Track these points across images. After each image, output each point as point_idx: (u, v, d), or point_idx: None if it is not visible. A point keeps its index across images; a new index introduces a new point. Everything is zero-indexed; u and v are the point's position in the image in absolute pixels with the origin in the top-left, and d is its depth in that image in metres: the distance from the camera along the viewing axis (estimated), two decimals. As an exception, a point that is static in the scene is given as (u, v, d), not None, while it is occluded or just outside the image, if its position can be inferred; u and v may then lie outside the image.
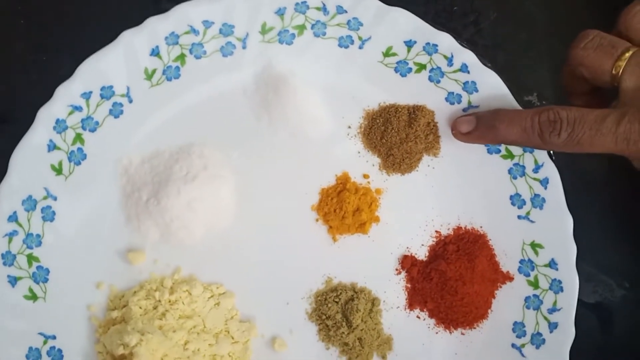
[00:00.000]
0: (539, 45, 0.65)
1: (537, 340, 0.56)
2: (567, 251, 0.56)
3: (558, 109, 0.50)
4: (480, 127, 0.54)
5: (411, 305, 0.59)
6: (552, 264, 0.57)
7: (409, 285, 0.59)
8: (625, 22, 0.51)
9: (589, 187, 0.63)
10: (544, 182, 0.57)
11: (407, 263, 0.59)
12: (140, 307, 0.56)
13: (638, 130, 0.47)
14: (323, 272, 0.59)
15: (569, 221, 0.56)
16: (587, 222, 0.59)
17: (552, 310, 0.56)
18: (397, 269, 0.59)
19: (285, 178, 0.59)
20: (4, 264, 0.54)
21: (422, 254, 0.59)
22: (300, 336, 0.58)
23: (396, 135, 0.59)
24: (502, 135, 0.53)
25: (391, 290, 0.59)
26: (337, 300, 0.58)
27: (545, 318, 0.57)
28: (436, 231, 0.59)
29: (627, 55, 0.50)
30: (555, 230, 0.57)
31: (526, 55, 0.64)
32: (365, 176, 0.60)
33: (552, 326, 0.56)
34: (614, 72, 0.50)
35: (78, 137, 0.57)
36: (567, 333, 0.56)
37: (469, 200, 0.59)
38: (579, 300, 0.56)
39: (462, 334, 0.58)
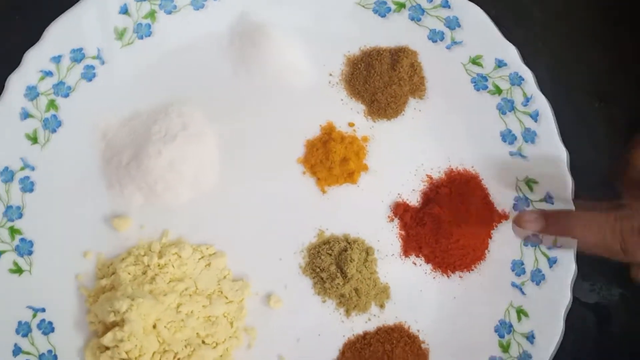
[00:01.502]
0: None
1: (537, 277, 0.55)
2: (562, 184, 0.55)
3: None
4: (551, 228, 0.49)
5: (406, 252, 0.57)
6: (547, 199, 0.55)
7: (402, 232, 0.58)
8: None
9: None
10: (534, 115, 0.55)
11: (400, 210, 0.57)
12: (129, 273, 0.54)
13: None
14: (314, 225, 0.57)
15: (563, 153, 0.55)
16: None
17: (551, 246, 0.55)
18: (389, 217, 0.58)
19: (268, 132, 0.57)
20: (-15, 238, 0.53)
21: (414, 199, 0.58)
22: (295, 291, 0.56)
23: (379, 79, 0.57)
24: (577, 238, 0.47)
25: (385, 239, 0.57)
26: (330, 252, 0.56)
27: (544, 254, 0.55)
28: (427, 175, 0.58)
29: None
30: (549, 163, 0.55)
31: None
32: (351, 124, 0.58)
33: (552, 262, 0.55)
34: None
35: (51, 104, 0.55)
36: (568, 268, 0.54)
37: (458, 141, 0.58)
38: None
39: (460, 277, 0.57)
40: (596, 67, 0.61)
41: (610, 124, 0.61)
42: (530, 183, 0.56)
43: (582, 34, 0.62)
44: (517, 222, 0.50)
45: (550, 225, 0.48)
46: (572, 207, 0.54)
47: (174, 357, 0.53)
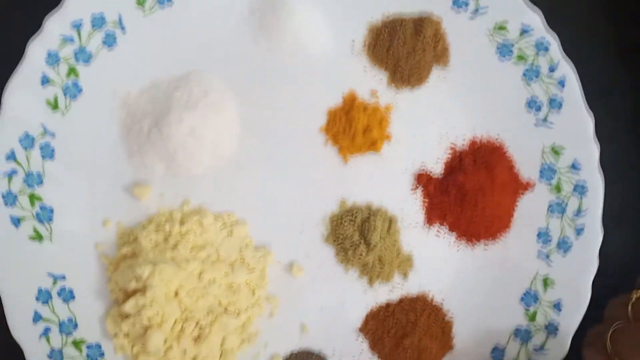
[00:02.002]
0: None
1: (564, 246, 0.54)
2: (589, 151, 0.54)
3: None
4: None
5: (430, 221, 0.57)
6: (574, 167, 0.55)
7: (426, 201, 0.57)
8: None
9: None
10: (561, 83, 0.55)
11: (423, 179, 0.57)
12: (151, 241, 0.54)
13: None
14: (336, 195, 0.57)
15: (589, 120, 0.54)
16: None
17: (578, 213, 0.54)
18: (412, 186, 0.57)
19: (290, 101, 0.57)
20: (6, 204, 0.52)
21: (437, 169, 0.57)
22: (317, 260, 0.56)
23: (403, 47, 0.56)
24: None
25: (408, 208, 0.57)
26: (353, 220, 0.55)
27: (571, 222, 0.54)
28: (451, 145, 0.57)
29: None
30: (576, 131, 0.55)
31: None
32: (373, 93, 0.57)
33: (579, 230, 0.54)
34: None
35: (72, 70, 0.54)
36: (595, 235, 0.54)
37: (483, 110, 0.57)
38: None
39: (485, 247, 0.56)
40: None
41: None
42: (556, 151, 0.55)
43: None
44: None
45: None
46: (598, 177, 0.54)
47: (196, 325, 0.52)
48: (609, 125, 0.56)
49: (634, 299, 0.48)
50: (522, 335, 0.54)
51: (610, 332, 0.47)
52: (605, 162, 0.54)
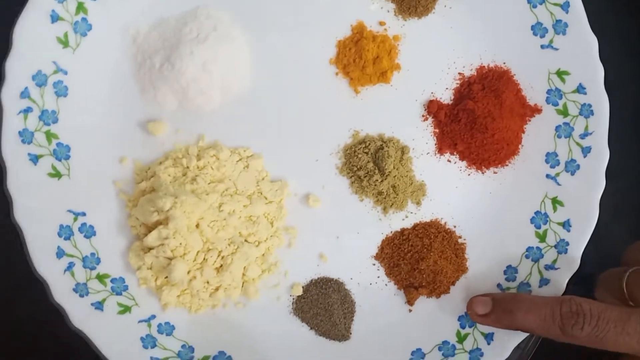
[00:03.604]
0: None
1: (572, 166, 0.56)
2: (594, 73, 0.55)
3: (581, 300, 0.47)
4: (497, 310, 0.51)
5: (441, 149, 0.58)
6: (580, 89, 0.56)
7: (437, 130, 0.58)
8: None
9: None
10: (565, 6, 0.56)
11: (434, 107, 0.58)
12: (169, 174, 0.54)
13: None
14: (349, 126, 0.57)
15: (594, 43, 0.55)
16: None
17: (584, 135, 0.56)
18: (423, 115, 0.58)
19: (299, 34, 0.57)
20: (23, 141, 0.52)
21: (447, 97, 0.58)
22: (332, 191, 0.57)
23: (409, -23, 0.57)
24: (519, 321, 0.49)
25: (419, 137, 0.58)
26: (366, 151, 0.56)
27: (578, 144, 0.56)
28: (459, 73, 0.58)
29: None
30: (581, 54, 0.56)
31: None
32: (382, 23, 0.58)
33: (586, 150, 0.56)
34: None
35: (80, 7, 0.54)
36: (601, 155, 0.55)
37: (489, 37, 0.58)
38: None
39: (495, 172, 0.58)
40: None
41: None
42: (562, 75, 0.56)
43: None
44: (469, 306, 0.53)
45: (497, 308, 0.51)
46: (604, 98, 0.55)
47: (218, 255, 0.53)
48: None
49: None
50: (533, 254, 0.56)
51: (627, 275, 0.48)
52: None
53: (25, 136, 0.52)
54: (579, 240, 0.55)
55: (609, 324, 0.46)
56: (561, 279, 0.54)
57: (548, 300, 0.49)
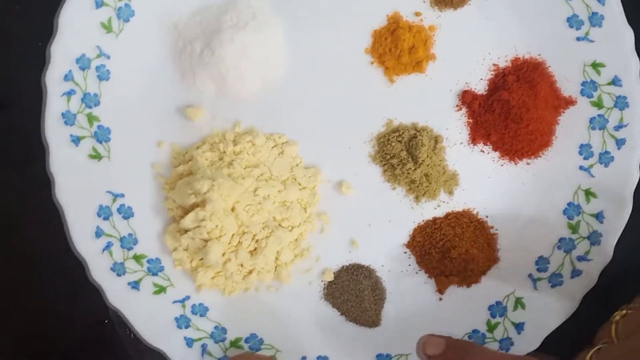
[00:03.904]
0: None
1: (605, 158, 0.56)
2: (630, 66, 0.56)
3: None
4: (448, 355, 0.47)
5: (474, 139, 0.58)
6: (615, 81, 0.56)
7: (470, 120, 0.58)
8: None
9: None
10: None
11: (468, 98, 0.58)
12: (207, 159, 0.55)
13: None
14: (383, 115, 0.58)
15: (630, 35, 0.55)
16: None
17: (619, 127, 0.56)
18: (457, 105, 0.58)
19: (336, 23, 0.58)
20: (65, 123, 0.54)
21: (481, 88, 0.58)
22: (365, 178, 0.58)
23: (445, -32, 0.57)
24: None
25: (453, 127, 0.58)
26: (400, 139, 0.57)
27: (612, 136, 0.56)
28: (494, 64, 0.59)
29: None
30: (616, 46, 0.56)
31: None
32: (417, 14, 0.58)
33: (620, 142, 0.56)
34: None
35: (124, -8, 0.55)
36: (636, 147, 0.55)
37: (524, 28, 0.58)
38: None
39: (528, 163, 0.58)
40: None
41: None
42: (597, 67, 0.56)
43: None
44: (420, 345, 0.48)
45: (448, 353, 0.47)
46: (639, 90, 0.55)
47: (253, 238, 0.54)
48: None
49: (617, 318, 0.49)
50: (566, 245, 0.56)
51: (590, 354, 0.47)
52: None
53: (68, 118, 0.54)
54: (612, 232, 0.55)
55: None
56: (594, 270, 0.54)
57: (507, 357, 0.49)
